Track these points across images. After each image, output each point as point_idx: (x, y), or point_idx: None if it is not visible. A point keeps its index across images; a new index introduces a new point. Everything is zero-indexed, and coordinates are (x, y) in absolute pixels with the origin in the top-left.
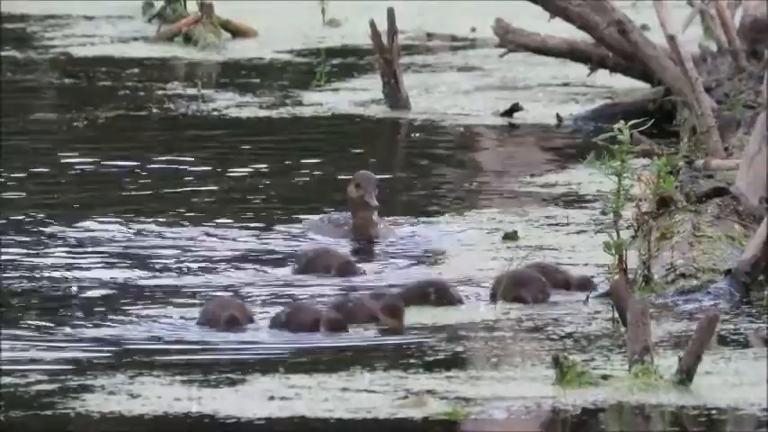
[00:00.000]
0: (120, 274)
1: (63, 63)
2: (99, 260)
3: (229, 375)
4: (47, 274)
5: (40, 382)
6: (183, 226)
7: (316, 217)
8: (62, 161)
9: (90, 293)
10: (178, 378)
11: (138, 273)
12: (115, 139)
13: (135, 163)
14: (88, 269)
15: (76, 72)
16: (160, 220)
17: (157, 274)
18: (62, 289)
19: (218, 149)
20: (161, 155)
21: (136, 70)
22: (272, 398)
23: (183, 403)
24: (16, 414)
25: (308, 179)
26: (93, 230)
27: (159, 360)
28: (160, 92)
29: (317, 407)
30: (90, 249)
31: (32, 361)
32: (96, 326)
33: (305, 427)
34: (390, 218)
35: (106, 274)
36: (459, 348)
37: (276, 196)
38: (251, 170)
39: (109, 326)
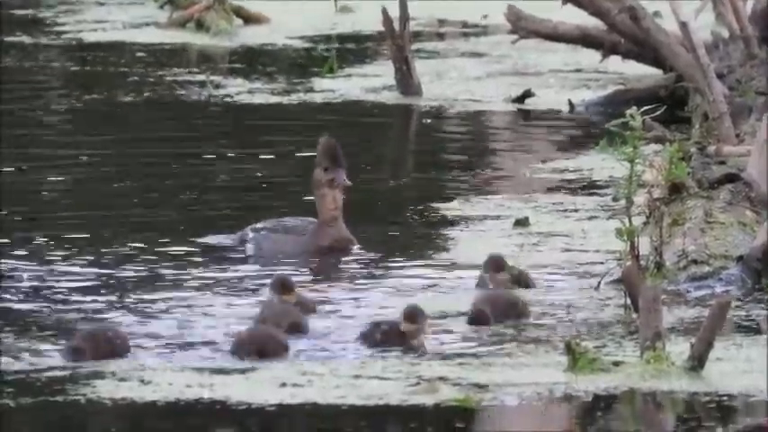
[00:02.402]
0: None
1: (74, 48)
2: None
3: (241, 362)
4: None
5: (51, 368)
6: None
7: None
8: (73, 144)
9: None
10: (189, 365)
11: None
12: (122, 124)
13: (145, 150)
14: (111, 245)
15: (87, 58)
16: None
17: (176, 262)
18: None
19: (228, 136)
20: (171, 141)
21: (147, 56)
22: (283, 385)
23: (194, 390)
24: (26, 401)
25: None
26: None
27: (170, 346)
28: (171, 78)
29: (329, 394)
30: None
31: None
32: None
33: (316, 414)
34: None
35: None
36: (472, 335)
37: (281, 185)
38: (259, 158)
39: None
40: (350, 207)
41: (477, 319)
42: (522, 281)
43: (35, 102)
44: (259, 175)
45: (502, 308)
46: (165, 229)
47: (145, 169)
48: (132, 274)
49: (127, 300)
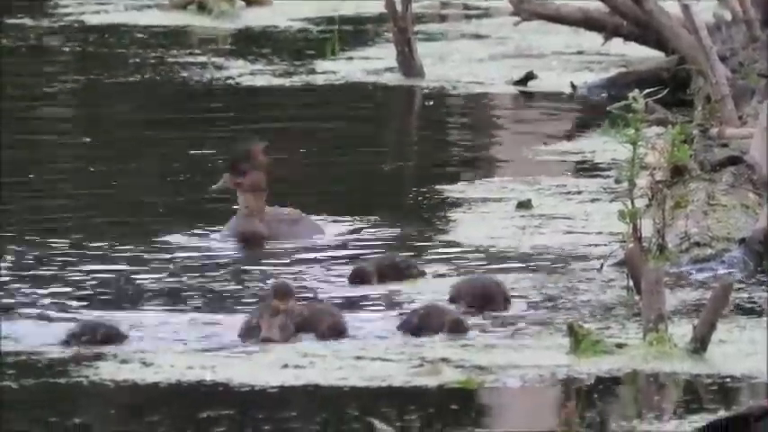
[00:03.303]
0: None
1: (76, 31)
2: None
3: (243, 344)
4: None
5: (53, 350)
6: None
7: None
8: (73, 126)
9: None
10: (191, 347)
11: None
12: (123, 105)
13: (149, 132)
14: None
15: (89, 40)
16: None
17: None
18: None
19: (230, 118)
20: (172, 123)
21: (149, 38)
22: (285, 366)
23: (196, 372)
24: (29, 382)
25: (319, 152)
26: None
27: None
28: (172, 60)
29: (331, 375)
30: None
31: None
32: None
33: (318, 396)
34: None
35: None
36: (476, 317)
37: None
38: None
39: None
40: (351, 190)
41: (357, 276)
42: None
43: (36, 84)
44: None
45: (479, 294)
46: (164, 210)
47: (145, 150)
48: (131, 255)
49: (126, 280)
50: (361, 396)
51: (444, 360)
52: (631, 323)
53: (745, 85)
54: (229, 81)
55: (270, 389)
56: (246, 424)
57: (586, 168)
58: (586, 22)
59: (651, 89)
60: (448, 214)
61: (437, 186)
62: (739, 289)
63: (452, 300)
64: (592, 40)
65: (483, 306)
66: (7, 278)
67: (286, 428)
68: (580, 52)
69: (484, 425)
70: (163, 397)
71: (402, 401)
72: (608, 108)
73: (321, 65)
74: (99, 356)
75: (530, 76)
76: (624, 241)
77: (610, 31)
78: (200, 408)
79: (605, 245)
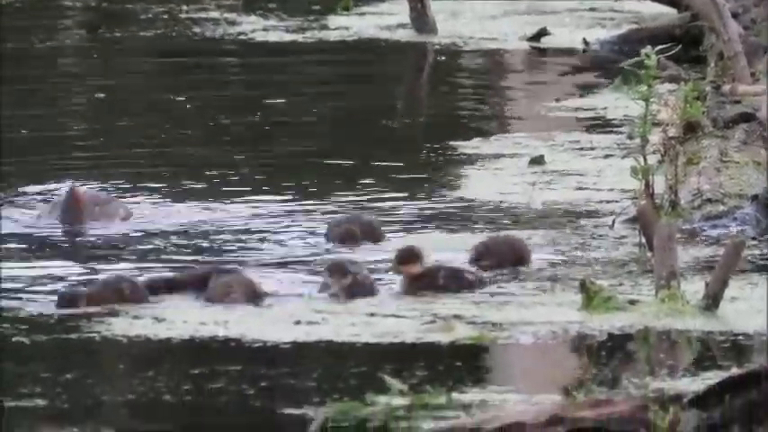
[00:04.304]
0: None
1: None
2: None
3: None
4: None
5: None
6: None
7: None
8: (85, 83)
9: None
10: (204, 302)
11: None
12: (135, 61)
13: (157, 87)
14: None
15: None
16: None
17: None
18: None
19: (245, 74)
20: (184, 78)
21: None
22: (297, 322)
23: (209, 327)
24: (40, 338)
25: (332, 108)
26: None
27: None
28: (185, 16)
29: (344, 331)
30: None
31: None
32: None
33: (331, 352)
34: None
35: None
36: (488, 273)
37: (300, 126)
38: (274, 100)
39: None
40: (364, 146)
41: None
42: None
43: (48, 40)
44: (268, 113)
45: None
46: (177, 164)
47: (157, 105)
48: (144, 207)
49: (139, 234)
50: (374, 352)
51: (456, 316)
52: (643, 280)
53: (758, 42)
54: (241, 37)
55: (282, 344)
56: (258, 379)
57: (599, 125)
58: None
59: (664, 46)
60: (460, 170)
61: (449, 142)
62: (751, 246)
63: (477, 259)
64: None
65: (511, 265)
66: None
67: (298, 384)
68: (593, 9)
69: (496, 381)
70: (175, 353)
71: (414, 358)
72: (620, 64)
73: (334, 20)
74: (112, 312)
75: (542, 33)
76: (636, 198)
77: None
78: (213, 363)
79: (617, 201)
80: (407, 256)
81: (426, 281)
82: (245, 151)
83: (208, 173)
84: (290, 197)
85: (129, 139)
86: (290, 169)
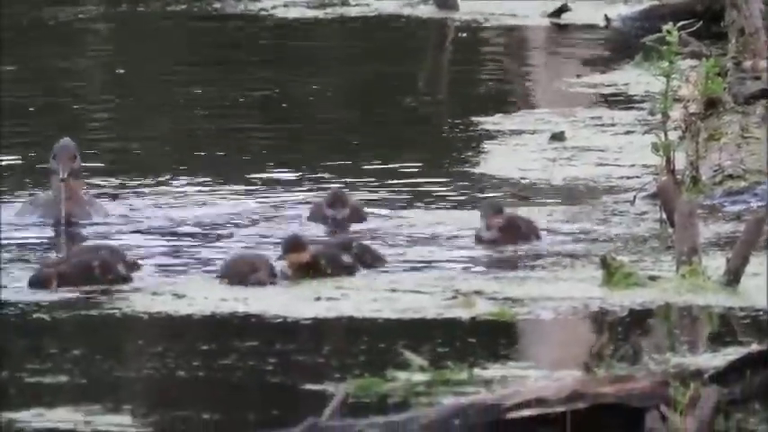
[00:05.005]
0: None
1: None
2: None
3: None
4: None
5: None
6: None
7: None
8: (107, 58)
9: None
10: (224, 279)
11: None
12: (156, 36)
13: (181, 65)
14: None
15: None
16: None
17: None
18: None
19: (263, 49)
20: (204, 54)
21: None
22: (318, 299)
23: (229, 303)
24: (61, 315)
25: (353, 84)
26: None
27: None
28: None
29: (365, 307)
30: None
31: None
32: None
33: (352, 327)
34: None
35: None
36: (509, 249)
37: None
38: (293, 75)
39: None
40: (385, 122)
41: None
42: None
43: (71, 13)
44: (288, 89)
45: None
46: (196, 144)
47: (178, 79)
48: (165, 186)
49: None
50: (395, 328)
51: (477, 292)
52: (664, 256)
53: None
54: (263, 12)
55: (303, 320)
56: (279, 356)
57: (620, 101)
58: None
59: (685, 21)
60: (481, 146)
61: (471, 118)
62: None
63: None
64: None
65: (516, 241)
66: None
67: (318, 360)
68: None
69: (516, 357)
70: (196, 329)
71: (435, 333)
72: (642, 40)
73: None
74: (133, 289)
75: (563, 9)
76: (657, 174)
77: None
78: (233, 340)
79: (638, 177)
80: (293, 245)
81: (311, 268)
82: (262, 125)
83: (226, 148)
84: (306, 172)
85: (142, 116)
86: (308, 144)
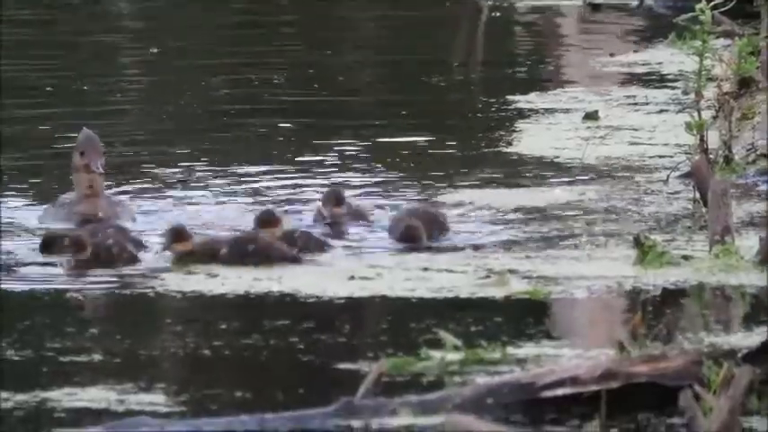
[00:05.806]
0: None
1: None
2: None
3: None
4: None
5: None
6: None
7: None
8: (138, 36)
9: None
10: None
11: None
12: (195, 16)
13: (217, 43)
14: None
15: None
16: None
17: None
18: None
19: (295, 26)
20: (228, 31)
21: None
22: (352, 278)
23: (263, 283)
24: (95, 293)
25: (387, 62)
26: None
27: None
28: None
29: (398, 286)
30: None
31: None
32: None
33: (385, 306)
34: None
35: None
36: (542, 228)
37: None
38: (326, 52)
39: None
40: (420, 101)
41: (407, 236)
42: (359, 215)
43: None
44: (320, 68)
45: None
46: (222, 123)
47: (206, 55)
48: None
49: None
50: (428, 306)
51: (511, 271)
52: (697, 235)
53: None
54: None
55: (336, 300)
56: (313, 335)
57: (653, 80)
58: None
59: (718, 1)
60: (514, 125)
61: (506, 97)
62: None
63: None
64: None
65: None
66: None
67: (352, 339)
68: None
69: (550, 336)
70: (230, 308)
71: (469, 312)
72: (675, 20)
73: None
74: (166, 268)
75: None
76: (691, 153)
77: None
78: (266, 319)
79: (672, 156)
80: (178, 235)
81: (194, 257)
82: (296, 101)
83: (261, 126)
84: (338, 151)
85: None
86: (341, 121)
